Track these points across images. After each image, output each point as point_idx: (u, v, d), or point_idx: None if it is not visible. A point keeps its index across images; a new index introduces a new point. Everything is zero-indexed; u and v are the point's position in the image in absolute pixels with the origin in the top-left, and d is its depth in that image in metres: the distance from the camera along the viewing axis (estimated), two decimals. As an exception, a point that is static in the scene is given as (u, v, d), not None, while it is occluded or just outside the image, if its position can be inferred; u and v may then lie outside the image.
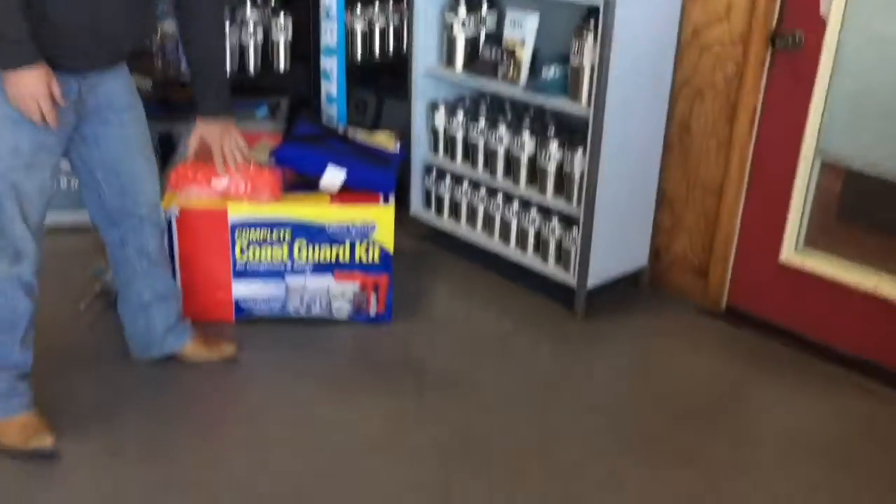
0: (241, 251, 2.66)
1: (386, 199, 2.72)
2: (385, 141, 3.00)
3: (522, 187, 2.96)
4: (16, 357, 2.12)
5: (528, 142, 2.89)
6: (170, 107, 3.27)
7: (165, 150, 3.13)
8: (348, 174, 2.70)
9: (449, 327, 2.83)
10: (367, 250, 2.68)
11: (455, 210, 3.24)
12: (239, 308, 2.73)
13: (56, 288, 2.90)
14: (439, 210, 3.30)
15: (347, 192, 2.72)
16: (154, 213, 2.35)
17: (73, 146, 2.16)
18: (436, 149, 3.27)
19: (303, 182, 2.79)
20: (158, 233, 2.39)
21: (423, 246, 3.36)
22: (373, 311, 2.76)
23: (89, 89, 2.09)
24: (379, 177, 2.75)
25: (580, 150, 2.73)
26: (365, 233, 2.66)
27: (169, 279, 2.48)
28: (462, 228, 3.22)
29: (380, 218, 2.66)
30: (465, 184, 3.17)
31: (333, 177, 2.70)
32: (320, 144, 2.80)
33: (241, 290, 2.71)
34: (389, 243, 2.69)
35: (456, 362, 2.62)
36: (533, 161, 2.91)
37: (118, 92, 2.18)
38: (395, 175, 2.80)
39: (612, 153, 2.66)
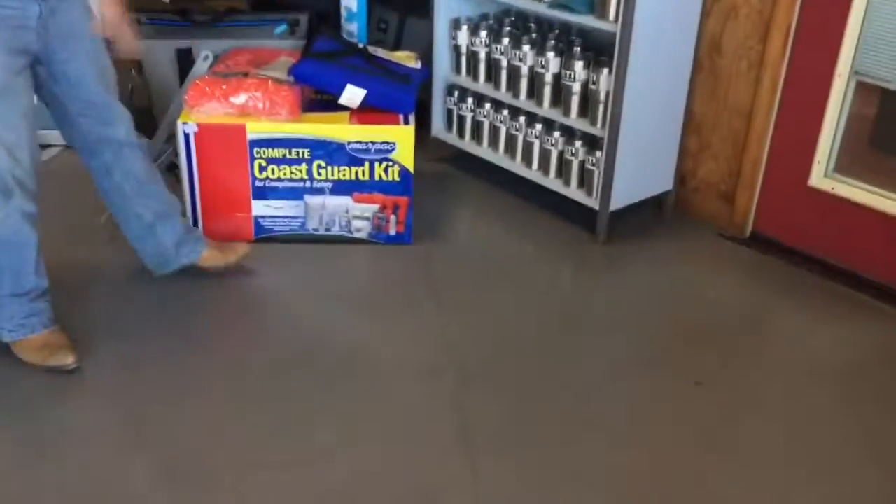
0: (260, 169, 2.63)
1: (406, 120, 2.67)
2: (407, 59, 2.94)
3: (546, 108, 2.89)
4: (31, 283, 2.12)
5: (552, 61, 2.82)
6: (189, 20, 3.21)
7: (183, 66, 3.08)
8: (368, 93, 2.64)
9: (469, 250, 2.81)
10: (386, 170, 2.65)
11: (477, 131, 3.19)
12: (259, 226, 2.71)
13: (75, 202, 2.93)
14: (461, 131, 3.24)
15: (367, 111, 2.67)
16: (131, 135, 2.28)
17: (45, 86, 2.11)
18: (458, 68, 3.19)
19: (323, 101, 2.75)
20: (140, 153, 2.33)
21: (444, 168, 3.31)
22: (392, 231, 2.74)
23: (50, 13, 2.01)
24: (400, 96, 2.69)
25: (606, 70, 2.66)
26: (385, 153, 2.63)
27: (164, 194, 2.42)
28: (484, 150, 3.17)
29: (400, 138, 2.62)
30: (488, 104, 3.11)
31: (353, 95, 2.65)
32: (340, 62, 2.74)
33: (261, 208, 2.69)
34: (410, 164, 2.65)
35: (476, 284, 2.60)
36: (557, 81, 2.83)
37: (77, 20, 2.09)
38: (415, 95, 2.75)
39: (639, 73, 2.59)
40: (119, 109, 2.25)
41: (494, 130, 3.11)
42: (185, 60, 3.11)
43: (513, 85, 2.98)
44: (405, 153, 2.63)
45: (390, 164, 2.64)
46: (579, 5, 2.69)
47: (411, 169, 2.65)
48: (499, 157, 3.11)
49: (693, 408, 2.12)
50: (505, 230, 2.94)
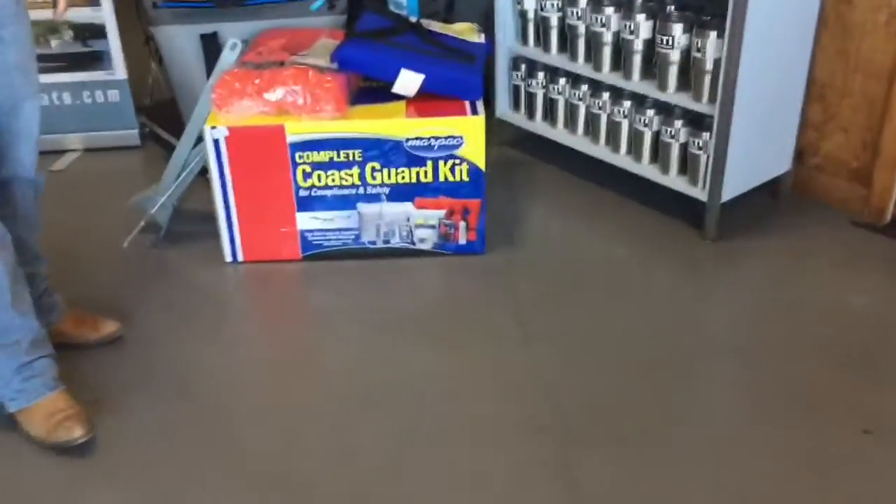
0: (304, 176, 2.22)
1: (474, 107, 2.23)
2: (467, 33, 2.49)
3: (636, 81, 2.43)
4: (12, 325, 1.69)
5: (643, 24, 2.35)
6: (212, 0, 2.77)
7: (210, 54, 2.65)
8: (427, 77, 2.21)
9: (552, 256, 2.38)
10: (453, 169, 2.22)
11: (550, 111, 2.73)
12: (306, 243, 2.31)
13: (95, 219, 2.56)
14: (531, 111, 2.79)
15: (427, 100, 2.24)
16: (32, 172, 1.83)
17: None
18: (525, 37, 2.74)
19: (372, 89, 2.32)
20: (34, 197, 1.86)
21: (512, 154, 2.88)
22: (462, 239, 2.32)
23: None
24: (465, 78, 2.25)
25: (713, 34, 2.19)
26: (451, 149, 2.19)
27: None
28: (559, 132, 2.72)
29: (468, 130, 2.18)
30: (563, 79, 2.65)
31: (409, 81, 2.21)
32: (390, 41, 2.30)
33: (307, 221, 2.28)
34: (480, 160, 2.21)
35: (565, 301, 2.18)
36: (650, 48, 2.37)
37: None
38: (482, 75, 2.30)
39: (756, 34, 2.11)
40: (29, 145, 1.80)
41: (572, 109, 2.66)
42: (211, 47, 2.67)
43: (593, 55, 2.52)
44: (475, 148, 2.20)
45: (457, 161, 2.21)
46: (677, -44, 2.22)
47: (482, 166, 2.22)
48: (578, 141, 2.66)
49: (863, 471, 1.68)
50: (591, 229, 2.50)
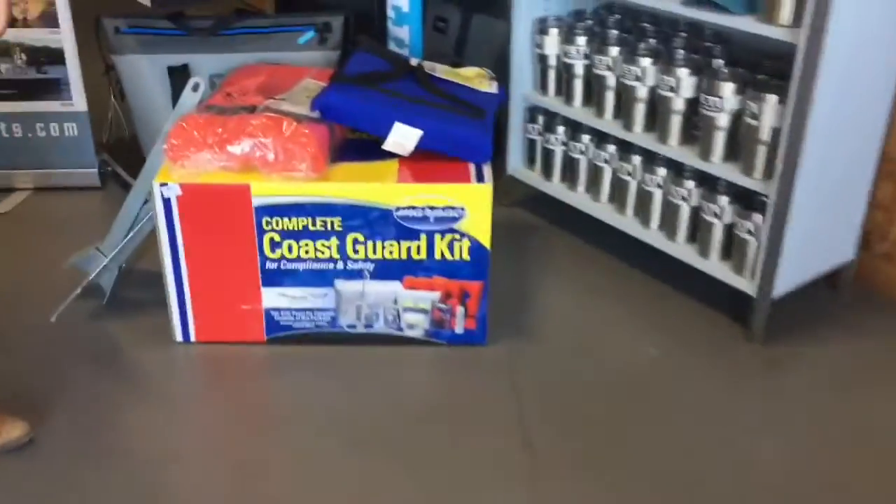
0: (272, 246, 1.84)
1: (480, 173, 1.85)
2: (476, 80, 2.11)
3: (673, 146, 2.05)
4: None
5: (685, 80, 1.97)
6: (184, 28, 2.41)
7: (177, 91, 2.29)
8: (426, 133, 1.83)
9: (567, 351, 1.99)
10: (451, 246, 1.84)
11: (570, 171, 2.36)
12: (272, 323, 1.93)
13: (34, 276, 2.19)
14: (548, 170, 2.42)
15: (425, 160, 1.87)
16: None
17: None
18: (544, 86, 2.37)
19: (361, 143, 1.95)
20: None
21: (523, 217, 2.50)
22: (459, 327, 1.94)
23: None
24: (471, 137, 1.88)
25: (774, 98, 1.81)
26: (449, 221, 1.82)
27: None
28: (580, 198, 2.34)
29: (472, 201, 1.81)
30: (587, 136, 2.28)
31: (404, 137, 1.84)
32: (385, 88, 1.93)
33: (274, 298, 1.90)
34: (485, 236, 1.84)
35: (579, 410, 1.79)
36: (692, 109, 1.99)
37: None
38: (491, 133, 1.93)
39: (827, 102, 1.73)
40: None
41: (596, 172, 2.28)
42: (180, 82, 2.30)
43: (624, 111, 2.15)
44: (479, 222, 1.82)
45: (457, 237, 1.83)
46: (733, 3, 1.84)
47: (487, 244, 1.84)
48: (602, 209, 2.28)
49: None
50: (615, 318, 2.10)
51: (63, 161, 2.58)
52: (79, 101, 2.49)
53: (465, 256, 1.85)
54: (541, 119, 2.39)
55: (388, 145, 1.85)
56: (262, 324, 1.93)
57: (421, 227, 1.82)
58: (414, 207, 1.80)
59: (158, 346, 1.94)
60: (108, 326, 2.01)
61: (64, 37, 2.42)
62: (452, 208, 1.80)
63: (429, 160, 1.87)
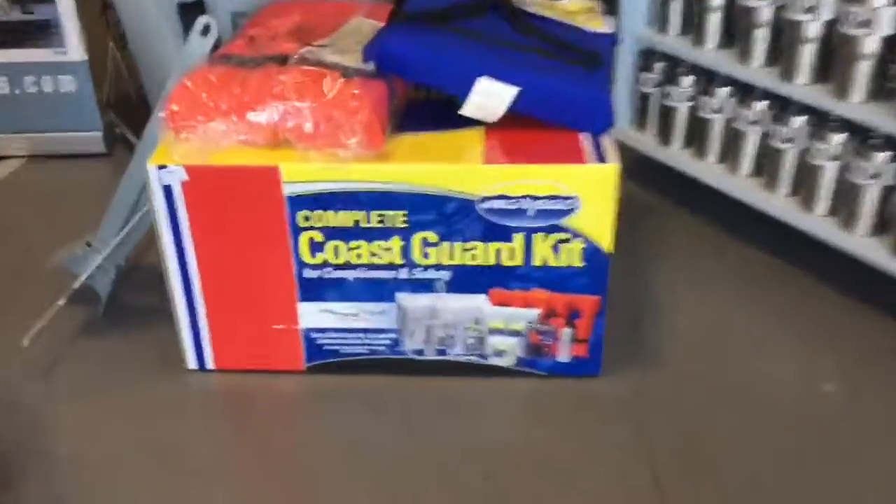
0: (312, 248, 1.35)
1: (599, 148, 1.32)
2: (583, 15, 1.57)
3: (856, 102, 1.50)
4: None
5: (884, 13, 1.42)
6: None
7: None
8: (524, 92, 1.31)
9: (707, 379, 1.47)
10: (557, 249, 1.33)
11: (698, 135, 1.82)
12: (313, 347, 1.45)
13: (28, 265, 1.75)
14: (666, 133, 1.88)
15: (520, 130, 1.35)
16: None
17: None
18: (665, 21, 1.82)
19: (430, 104, 1.44)
20: None
21: (632, 195, 1.94)
22: (564, 355, 1.43)
23: None
24: (586, 95, 1.34)
25: None
26: (556, 216, 1.30)
27: None
28: (710, 170, 1.80)
29: (589, 187, 1.28)
30: (724, 90, 1.73)
31: (492, 98, 1.32)
32: (462, 28, 1.40)
33: (315, 316, 1.41)
34: (605, 235, 1.32)
35: (730, 464, 1.29)
36: (889, 52, 1.44)
37: None
38: (609, 90, 1.39)
39: None
40: None
41: (734, 137, 1.73)
42: (194, 22, 1.81)
43: (784, 56, 1.59)
44: (598, 216, 1.30)
45: (566, 237, 1.31)
46: None
47: (607, 246, 1.33)
48: (742, 186, 1.74)
49: None
50: (767, 331, 1.57)
51: (61, 122, 2.11)
52: (74, 48, 2.01)
53: (577, 262, 1.34)
54: (658, 66, 1.85)
55: (469, 109, 1.33)
56: (300, 348, 1.45)
57: (516, 223, 1.31)
58: (506, 197, 1.29)
59: (166, 375, 1.48)
60: (102, 345, 1.55)
61: (52, -34, 1.94)
62: (561, 198, 1.29)
63: (525, 129, 1.35)
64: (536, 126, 1.34)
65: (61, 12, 1.97)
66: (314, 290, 1.39)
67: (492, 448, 1.34)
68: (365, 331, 1.43)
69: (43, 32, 1.99)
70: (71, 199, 2.02)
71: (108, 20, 1.91)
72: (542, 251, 1.33)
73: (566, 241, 1.32)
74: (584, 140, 1.33)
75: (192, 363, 1.48)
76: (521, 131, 1.35)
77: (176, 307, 1.42)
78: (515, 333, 1.42)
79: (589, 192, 1.28)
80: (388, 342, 1.44)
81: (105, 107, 2.12)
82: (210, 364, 1.48)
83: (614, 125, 1.36)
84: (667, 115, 1.85)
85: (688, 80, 1.79)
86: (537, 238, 1.32)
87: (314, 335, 1.44)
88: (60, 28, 1.98)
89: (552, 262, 1.34)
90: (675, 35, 1.81)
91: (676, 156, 1.86)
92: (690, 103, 1.80)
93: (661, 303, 1.65)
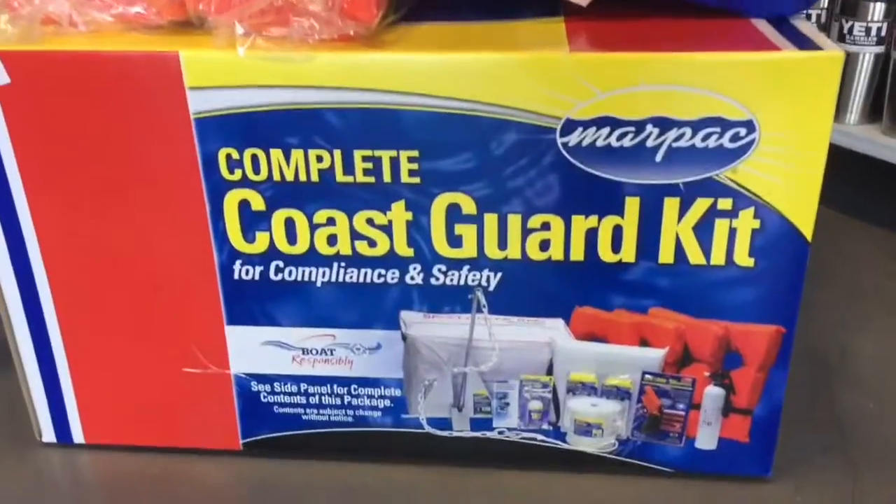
0: (246, 223, 0.73)
1: (795, 38, 0.69)
2: None
3: None
4: None
5: None
6: None
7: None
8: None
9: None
10: (709, 224, 0.68)
11: (891, 97, 1.18)
12: (254, 410, 0.81)
13: None
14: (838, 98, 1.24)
15: (633, 17, 0.72)
16: None
17: None
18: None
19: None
20: None
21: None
22: (707, 438, 0.77)
23: None
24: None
25: None
26: (714, 158, 0.66)
27: None
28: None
29: (777, 97, 0.64)
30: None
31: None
32: None
33: (254, 351, 0.78)
34: (805, 204, 0.67)
35: None
36: None
37: None
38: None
39: None
40: None
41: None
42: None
43: None
44: (795, 164, 0.66)
45: (730, 204, 0.67)
46: None
47: (807, 230, 0.68)
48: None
49: None
50: None
51: None
52: None
53: (744, 259, 0.69)
54: (825, -5, 1.22)
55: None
56: (231, 410, 0.81)
57: (629, 175, 0.67)
58: (614, 122, 0.65)
59: (11, 453, 0.85)
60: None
61: None
62: (722, 123, 0.65)
63: (647, 17, 0.72)
64: (661, 14, 0.71)
65: None
66: (252, 303, 0.76)
67: None
68: (344, 381, 0.79)
69: None
70: None
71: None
72: (678, 234, 0.69)
73: (727, 214, 0.68)
74: (762, 26, 0.70)
75: (47, 434, 0.85)
76: (636, 20, 0.72)
77: (12, 335, 0.80)
78: (618, 394, 0.77)
79: (783, 111, 0.64)
80: (385, 404, 0.80)
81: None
82: (77, 436, 0.85)
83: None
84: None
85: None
86: (670, 207, 0.68)
87: (255, 387, 0.80)
88: None
89: (695, 259, 0.70)
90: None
91: (855, 132, 1.21)
92: (879, 48, 1.16)
93: (858, 349, 0.98)
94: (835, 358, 0.98)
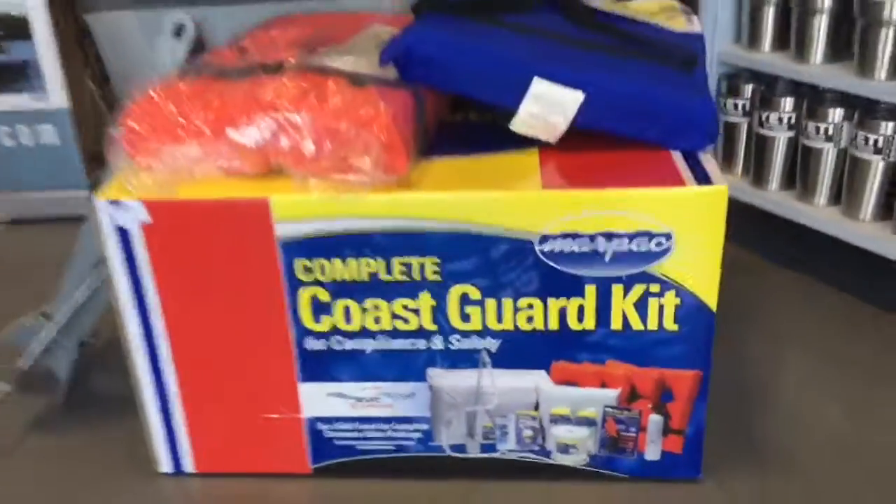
0: (315, 311, 1.01)
1: (698, 169, 0.98)
2: (664, 14, 1.25)
3: None
4: None
5: None
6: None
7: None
8: (592, 94, 0.97)
9: (850, 485, 1.10)
10: (643, 304, 0.97)
11: (804, 173, 1.47)
12: (321, 443, 1.09)
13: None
14: (761, 173, 1.53)
15: (590, 149, 1.01)
16: None
17: None
18: (753, 36, 1.50)
19: (468, 126, 1.12)
20: None
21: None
22: (652, 451, 1.07)
23: None
24: (678, 100, 1.01)
25: None
26: (643, 261, 0.95)
27: None
28: (823, 216, 1.45)
29: (687, 217, 0.94)
30: (837, 112, 1.39)
31: (550, 105, 0.98)
32: (511, 24, 1.08)
33: (322, 402, 1.06)
34: (709, 286, 0.97)
35: None
36: None
37: None
38: (710, 95, 1.06)
39: None
40: None
41: (856, 171, 1.38)
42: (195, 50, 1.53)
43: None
44: (700, 259, 0.95)
45: (656, 289, 0.96)
46: None
47: (711, 301, 0.97)
48: (863, 232, 1.38)
49: None
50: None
51: (41, 181, 1.82)
52: (55, 92, 1.72)
53: (670, 325, 0.98)
54: (749, 89, 1.51)
55: (521, 122, 1.00)
56: (303, 444, 1.10)
57: (587, 270, 0.96)
58: (575, 235, 0.95)
59: (133, 482, 1.13)
60: (52, 447, 1.21)
61: (29, 2, 1.67)
62: (650, 235, 0.94)
63: (593, 151, 1.01)
64: (607, 146, 1.01)
65: (39, 51, 1.69)
66: (319, 366, 1.05)
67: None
68: (388, 420, 1.08)
69: (18, 75, 1.72)
70: (42, 271, 1.71)
71: (86, 51, 1.63)
72: (624, 309, 0.98)
73: (656, 294, 0.97)
74: (677, 159, 0.99)
75: (165, 465, 1.14)
76: (588, 153, 1.01)
77: (141, 392, 1.09)
78: (587, 422, 1.06)
79: (689, 226, 0.94)
80: (417, 435, 1.08)
81: (93, 161, 1.83)
82: (189, 466, 1.13)
83: (714, 140, 1.02)
84: (762, 149, 1.51)
85: (788, 103, 1.45)
86: (617, 291, 0.97)
87: (321, 427, 1.09)
88: (39, 70, 1.71)
89: (636, 325, 0.99)
90: (768, 50, 1.49)
91: (776, 200, 1.51)
92: (790, 132, 1.46)
93: (771, 387, 1.27)
94: (753, 386, 1.27)
